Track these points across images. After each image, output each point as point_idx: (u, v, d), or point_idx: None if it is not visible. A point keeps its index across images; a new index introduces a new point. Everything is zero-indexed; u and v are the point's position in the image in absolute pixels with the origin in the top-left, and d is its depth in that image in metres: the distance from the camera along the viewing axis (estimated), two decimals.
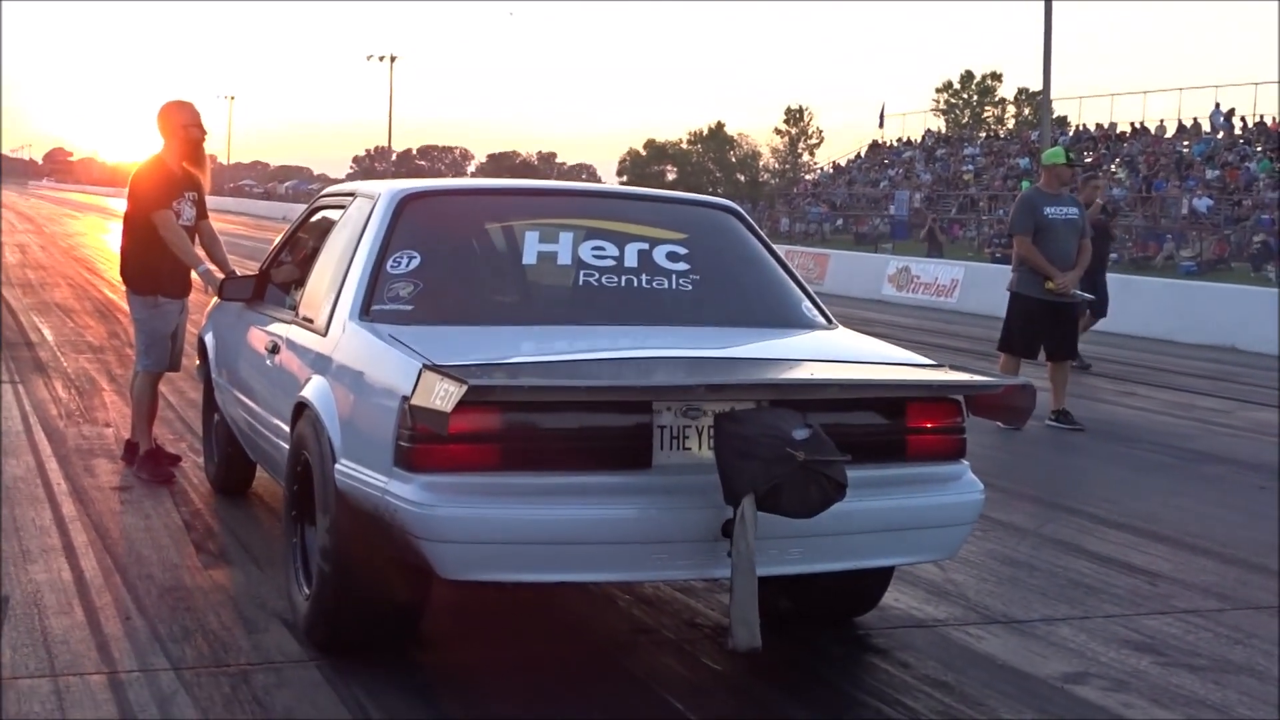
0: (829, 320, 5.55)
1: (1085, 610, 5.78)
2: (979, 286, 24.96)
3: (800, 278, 5.79)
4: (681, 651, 5.09)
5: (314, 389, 5.01)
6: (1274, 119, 48.78)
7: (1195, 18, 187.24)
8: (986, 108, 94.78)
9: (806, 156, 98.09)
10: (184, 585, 5.63)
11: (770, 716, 4.58)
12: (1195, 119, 52.40)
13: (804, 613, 5.38)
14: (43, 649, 4.81)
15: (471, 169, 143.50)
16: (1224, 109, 51.06)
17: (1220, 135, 49.98)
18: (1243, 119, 50.37)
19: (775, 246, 5.94)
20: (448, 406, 3.97)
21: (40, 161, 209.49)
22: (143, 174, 7.56)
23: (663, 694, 4.63)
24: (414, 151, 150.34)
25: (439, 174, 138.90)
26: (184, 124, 7.59)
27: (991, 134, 75.20)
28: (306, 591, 4.91)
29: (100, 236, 38.52)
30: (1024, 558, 6.61)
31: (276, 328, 5.95)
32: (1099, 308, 14.55)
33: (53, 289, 20.32)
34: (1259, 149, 46.59)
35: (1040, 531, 7.17)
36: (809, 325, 5.50)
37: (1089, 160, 49.73)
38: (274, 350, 5.84)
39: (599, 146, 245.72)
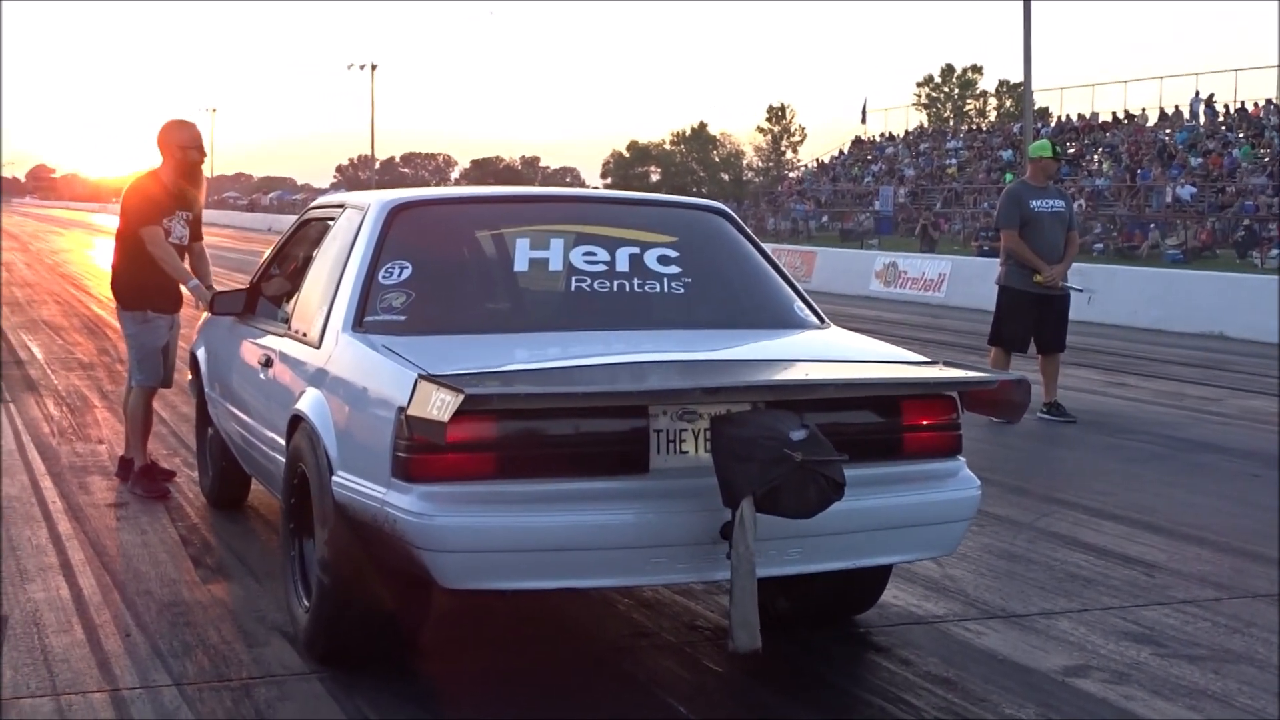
0: (821, 319, 5.55)
1: (1083, 603, 5.80)
2: (967, 280, 25.02)
3: (791, 277, 5.80)
4: (682, 654, 5.09)
5: (309, 402, 5.01)
6: (1255, 104, 48.90)
7: (1173, 6, 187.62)
8: (968, 101, 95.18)
9: (790, 154, 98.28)
10: (183, 600, 5.63)
11: (772, 718, 4.58)
12: (1176, 106, 52.48)
13: (803, 613, 5.38)
14: (43, 667, 4.81)
15: (455, 175, 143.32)
16: (1204, 96, 51.12)
17: (1202, 122, 50.06)
18: (1225, 105, 50.47)
19: (763, 245, 5.94)
20: (444, 416, 3.98)
21: (23, 179, 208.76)
22: (134, 190, 7.56)
23: (664, 697, 4.64)
24: (397, 159, 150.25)
25: (423, 181, 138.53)
26: (182, 145, 7.56)
27: (974, 127, 75.35)
28: (306, 604, 4.91)
29: (85, 253, 38.44)
30: (1021, 551, 6.62)
31: (269, 341, 5.95)
32: None
33: (40, 306, 20.26)
34: (1241, 134, 46.70)
35: (1036, 525, 7.19)
36: (802, 325, 5.50)
37: (1072, 151, 49.81)
38: (267, 364, 5.83)
39: (582, 149, 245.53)
